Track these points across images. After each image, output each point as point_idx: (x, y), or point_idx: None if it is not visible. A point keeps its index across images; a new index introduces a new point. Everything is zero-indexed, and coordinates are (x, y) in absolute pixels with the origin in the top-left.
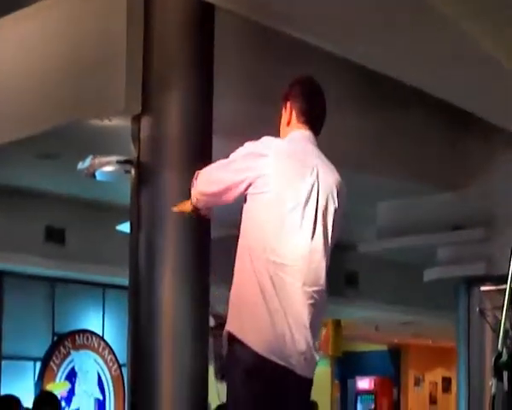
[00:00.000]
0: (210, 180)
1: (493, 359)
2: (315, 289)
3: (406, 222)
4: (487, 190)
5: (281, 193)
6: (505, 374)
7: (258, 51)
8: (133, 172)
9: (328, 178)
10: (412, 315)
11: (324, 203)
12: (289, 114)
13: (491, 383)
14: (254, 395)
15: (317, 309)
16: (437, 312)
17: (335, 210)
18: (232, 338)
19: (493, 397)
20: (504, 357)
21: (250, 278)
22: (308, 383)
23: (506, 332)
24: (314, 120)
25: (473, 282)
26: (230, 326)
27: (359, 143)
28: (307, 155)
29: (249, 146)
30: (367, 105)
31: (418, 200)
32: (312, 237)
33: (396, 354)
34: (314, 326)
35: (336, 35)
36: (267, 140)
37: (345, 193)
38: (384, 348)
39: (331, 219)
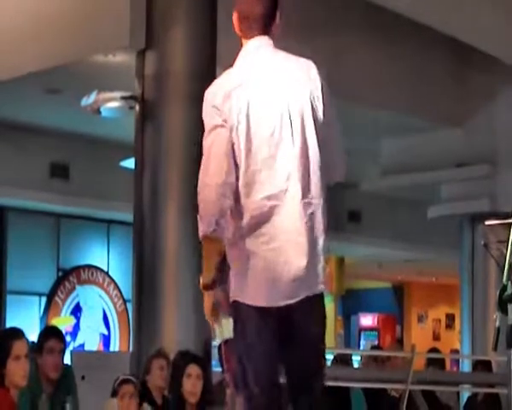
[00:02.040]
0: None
1: (498, 292)
2: (314, 201)
3: (410, 159)
4: (491, 126)
5: (255, 141)
6: (510, 307)
7: None
8: (137, 108)
9: (298, 85)
10: (416, 252)
11: (300, 118)
12: (235, 21)
13: (496, 316)
14: (263, 345)
15: (316, 222)
16: (441, 249)
17: (317, 109)
18: (236, 304)
19: (498, 330)
20: (509, 290)
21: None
22: (317, 298)
23: (511, 265)
24: (256, 23)
25: (477, 218)
26: (232, 294)
27: (360, 75)
28: (267, 74)
29: (205, 118)
30: (368, 36)
31: (422, 137)
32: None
33: (399, 292)
34: (315, 240)
35: None
36: (214, 102)
37: (324, 83)
38: (388, 285)
39: (312, 125)
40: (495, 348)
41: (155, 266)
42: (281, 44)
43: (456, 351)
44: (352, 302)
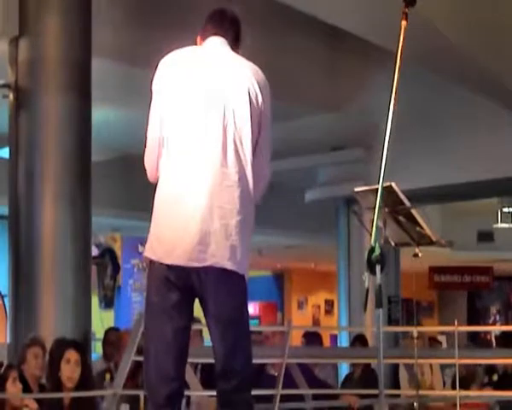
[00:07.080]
0: None
1: (366, 253)
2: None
3: (285, 144)
4: (365, 110)
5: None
6: (378, 268)
7: None
8: (11, 96)
9: (230, 85)
10: (295, 238)
11: (231, 121)
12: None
13: (365, 277)
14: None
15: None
16: (319, 234)
17: (248, 110)
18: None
19: (367, 291)
20: (377, 251)
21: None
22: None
23: (378, 228)
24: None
25: (353, 202)
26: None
27: None
28: (209, 63)
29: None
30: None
31: (297, 122)
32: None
33: (280, 279)
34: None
35: None
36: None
37: (262, 86)
38: (268, 273)
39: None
40: (365, 309)
41: (32, 259)
42: None
43: (335, 336)
44: None
